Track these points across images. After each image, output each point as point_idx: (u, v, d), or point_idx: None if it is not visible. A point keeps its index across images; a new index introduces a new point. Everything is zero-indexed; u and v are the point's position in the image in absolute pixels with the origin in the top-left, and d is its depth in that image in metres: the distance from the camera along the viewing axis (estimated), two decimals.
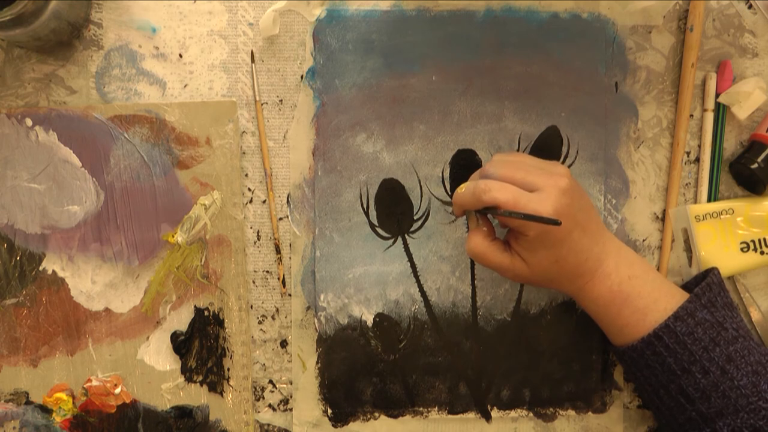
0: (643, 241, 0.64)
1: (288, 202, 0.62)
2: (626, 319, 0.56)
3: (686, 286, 0.61)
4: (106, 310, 0.61)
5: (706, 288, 0.56)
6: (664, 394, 0.56)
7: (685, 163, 0.64)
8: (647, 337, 0.55)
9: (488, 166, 0.56)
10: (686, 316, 0.54)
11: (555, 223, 0.51)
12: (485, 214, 0.55)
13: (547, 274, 0.56)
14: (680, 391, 0.55)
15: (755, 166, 0.61)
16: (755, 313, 0.64)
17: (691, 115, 0.64)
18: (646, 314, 0.55)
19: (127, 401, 0.61)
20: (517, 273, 0.56)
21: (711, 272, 0.59)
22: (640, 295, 0.56)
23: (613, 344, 0.59)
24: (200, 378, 0.61)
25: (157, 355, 0.61)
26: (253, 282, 0.62)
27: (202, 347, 0.61)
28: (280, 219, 0.62)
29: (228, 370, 0.62)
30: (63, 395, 0.61)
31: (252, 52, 0.62)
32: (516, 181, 0.54)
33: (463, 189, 0.55)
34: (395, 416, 0.63)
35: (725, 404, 0.53)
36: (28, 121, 0.60)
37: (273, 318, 0.63)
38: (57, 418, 0.61)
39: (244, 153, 0.62)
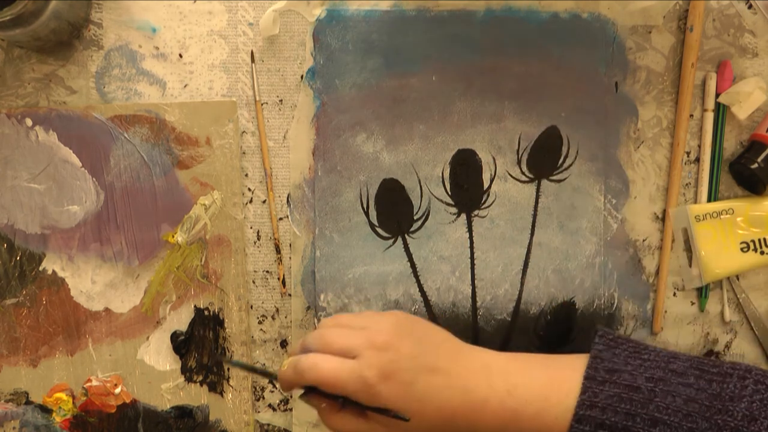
0: (643, 241, 0.64)
1: (288, 202, 0.62)
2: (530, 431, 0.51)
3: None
4: (106, 310, 0.61)
5: (596, 361, 0.51)
6: None
7: (685, 163, 0.64)
8: None
9: (308, 339, 0.52)
10: (588, 410, 0.49)
11: (403, 419, 0.48)
12: (317, 394, 0.51)
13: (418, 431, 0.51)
14: None
15: (755, 166, 0.61)
16: (754, 313, 0.64)
17: (691, 115, 0.64)
18: (544, 418, 0.50)
19: (127, 401, 0.61)
20: None
21: (594, 340, 0.53)
22: (527, 403, 0.50)
23: None
24: (200, 378, 0.61)
25: (157, 355, 0.61)
26: (253, 282, 0.62)
27: (201, 348, 0.61)
28: (280, 219, 0.62)
29: (228, 370, 0.62)
30: (63, 395, 0.61)
31: (252, 52, 0.62)
32: (336, 350, 0.50)
33: (285, 366, 0.51)
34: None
35: None
36: (28, 121, 0.60)
37: (273, 318, 0.63)
38: (57, 418, 0.61)
39: (244, 153, 0.62)
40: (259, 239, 0.62)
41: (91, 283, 0.61)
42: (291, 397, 0.62)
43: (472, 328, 0.63)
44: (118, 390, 0.61)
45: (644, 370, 0.51)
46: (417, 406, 0.50)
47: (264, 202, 0.62)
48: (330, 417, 0.51)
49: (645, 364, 0.51)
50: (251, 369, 0.60)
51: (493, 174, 0.63)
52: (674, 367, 0.51)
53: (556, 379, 0.52)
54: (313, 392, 0.51)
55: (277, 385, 0.62)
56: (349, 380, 0.49)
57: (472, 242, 0.62)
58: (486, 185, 0.63)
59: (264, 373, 0.59)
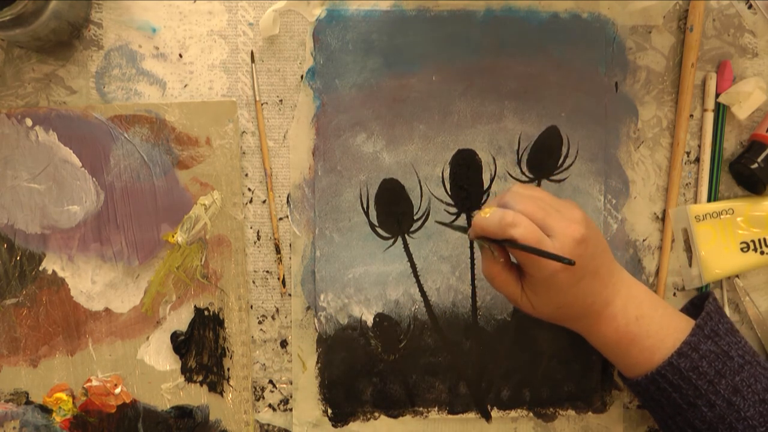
0: (643, 241, 0.64)
1: (288, 202, 0.62)
2: (635, 358, 0.56)
3: (685, 307, 0.61)
4: (106, 310, 0.61)
5: (707, 318, 0.56)
6: (672, 425, 0.56)
7: (685, 163, 0.64)
8: (651, 374, 0.55)
9: (509, 197, 0.54)
10: (690, 351, 0.54)
11: (569, 262, 0.50)
12: (502, 244, 0.53)
13: (552, 316, 0.56)
14: (687, 424, 0.55)
15: (755, 166, 0.61)
16: (754, 313, 0.64)
17: (691, 115, 0.64)
18: (653, 353, 0.55)
19: (127, 401, 0.61)
20: (525, 308, 0.56)
21: (708, 299, 0.58)
22: (647, 335, 0.55)
23: (621, 375, 0.59)
24: (200, 378, 0.61)
25: (157, 355, 0.61)
26: (253, 282, 0.62)
27: (201, 347, 0.61)
28: (280, 219, 0.62)
29: (228, 370, 0.62)
30: (63, 395, 0.61)
31: (252, 52, 0.62)
32: (536, 220, 0.52)
33: (487, 214, 0.53)
34: (395, 416, 0.63)
35: None
36: (28, 121, 0.60)
37: (273, 318, 0.63)
38: (57, 418, 0.61)
39: (244, 153, 0.62)
40: (259, 239, 0.62)
41: (91, 283, 0.61)
42: (291, 397, 0.63)
43: (472, 328, 0.63)
44: (118, 390, 0.61)
45: (737, 348, 0.55)
46: (570, 299, 0.54)
47: (264, 202, 0.62)
48: (498, 270, 0.54)
49: (739, 343, 0.56)
50: (449, 225, 0.61)
51: (493, 174, 0.63)
52: (760, 360, 0.56)
53: (677, 325, 0.56)
54: (496, 243, 0.54)
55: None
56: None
57: (472, 242, 0.62)
58: (486, 185, 0.63)
59: (458, 228, 0.60)
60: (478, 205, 0.62)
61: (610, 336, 0.56)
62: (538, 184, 0.63)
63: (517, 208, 0.53)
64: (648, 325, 0.55)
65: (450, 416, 0.63)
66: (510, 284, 0.55)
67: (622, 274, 0.57)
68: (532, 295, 0.54)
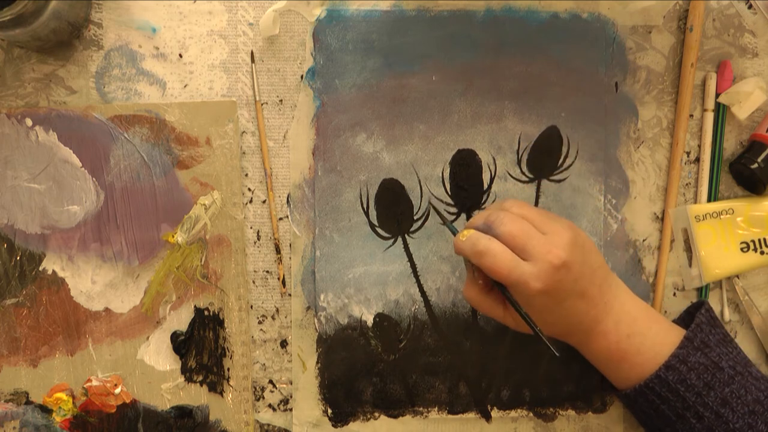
0: (643, 241, 0.64)
1: (288, 202, 0.62)
2: (626, 373, 0.56)
3: (681, 317, 0.61)
4: (106, 310, 0.61)
5: (697, 329, 0.55)
6: None
7: (685, 163, 0.64)
8: (639, 387, 0.55)
9: (494, 217, 0.54)
10: (678, 363, 0.54)
11: (539, 333, 0.52)
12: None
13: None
14: None
15: (755, 166, 0.61)
16: (754, 316, 0.64)
17: (691, 115, 0.64)
18: (644, 368, 0.55)
19: (127, 401, 0.61)
20: (511, 327, 0.56)
21: (700, 310, 0.57)
22: (638, 352, 0.55)
23: (612, 386, 0.60)
24: (200, 378, 0.61)
25: (157, 355, 0.61)
26: (253, 282, 0.62)
27: (201, 347, 0.61)
28: (280, 219, 0.62)
29: (228, 370, 0.62)
30: (63, 395, 0.61)
31: (252, 52, 0.62)
32: (516, 244, 0.53)
33: (464, 237, 0.54)
34: (395, 416, 0.63)
35: None
36: (28, 121, 0.60)
37: (273, 318, 0.63)
38: (57, 418, 0.61)
39: (244, 153, 0.62)
40: (259, 239, 0.62)
41: (91, 283, 0.61)
42: (291, 397, 0.63)
43: (472, 328, 0.63)
44: (118, 390, 0.61)
45: (729, 359, 0.55)
46: (555, 318, 0.54)
47: (264, 202, 0.62)
48: (478, 293, 0.55)
49: (731, 354, 0.55)
50: (442, 218, 0.60)
51: (493, 174, 0.63)
52: (752, 370, 0.55)
53: (672, 341, 0.55)
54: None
55: (276, 385, 0.62)
56: (516, 281, 0.52)
57: None
58: (486, 185, 0.63)
59: (449, 227, 0.59)
60: (479, 206, 0.62)
61: (601, 352, 0.56)
62: (538, 184, 0.63)
63: (499, 230, 0.53)
64: (640, 342, 0.55)
65: (450, 416, 0.63)
66: (492, 305, 0.55)
67: (617, 291, 0.57)
68: (517, 315, 0.54)
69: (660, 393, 0.54)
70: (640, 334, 0.55)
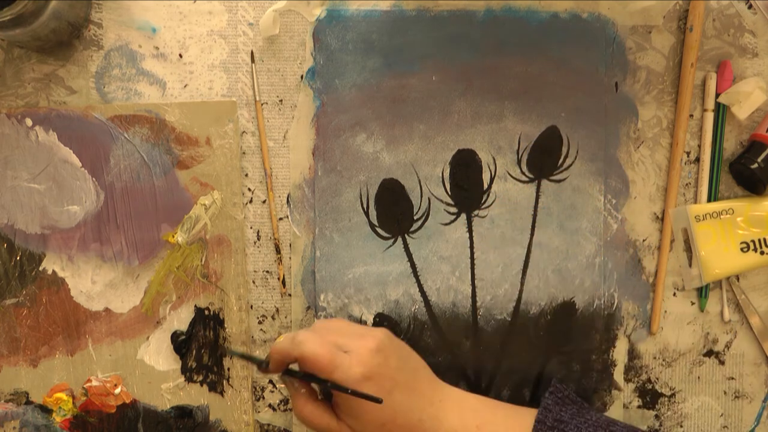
0: (643, 241, 0.64)
1: (288, 202, 0.62)
2: None
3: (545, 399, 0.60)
4: (106, 310, 0.61)
5: (546, 412, 0.56)
6: None
7: (685, 163, 0.64)
8: None
9: (304, 330, 0.54)
10: None
11: (377, 401, 0.50)
12: (304, 379, 0.54)
13: None
14: None
15: (755, 166, 0.61)
16: (753, 316, 0.64)
17: (691, 115, 0.64)
18: None
19: (127, 401, 0.61)
20: None
21: (545, 394, 0.58)
22: None
23: None
24: (200, 378, 0.61)
25: (157, 355, 0.61)
26: (253, 282, 0.62)
27: (201, 347, 0.61)
28: (280, 219, 0.62)
29: (228, 370, 0.62)
30: (63, 395, 0.61)
31: (252, 52, 0.62)
32: (331, 341, 0.53)
33: (281, 339, 0.54)
34: None
35: None
36: (28, 121, 0.60)
37: (273, 318, 0.63)
38: (57, 418, 0.61)
39: (244, 153, 0.62)
40: (259, 239, 0.62)
41: (91, 283, 0.61)
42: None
43: (472, 328, 0.63)
44: (118, 390, 0.61)
45: (587, 427, 0.55)
46: (388, 415, 0.53)
47: (264, 202, 0.62)
48: (304, 404, 0.54)
49: (588, 422, 0.55)
50: (244, 356, 0.60)
51: (493, 174, 0.63)
52: (615, 428, 0.55)
53: (521, 423, 0.55)
54: (296, 376, 0.53)
55: (277, 384, 0.62)
56: (339, 366, 0.51)
57: (472, 242, 0.62)
58: (486, 185, 0.63)
59: (252, 359, 0.59)
60: (478, 206, 0.62)
61: None
62: (538, 184, 0.63)
63: (308, 342, 0.52)
64: (493, 431, 0.55)
65: None
66: (323, 416, 0.54)
67: (447, 389, 0.57)
68: (348, 419, 0.53)
69: None
70: (490, 422, 0.55)
